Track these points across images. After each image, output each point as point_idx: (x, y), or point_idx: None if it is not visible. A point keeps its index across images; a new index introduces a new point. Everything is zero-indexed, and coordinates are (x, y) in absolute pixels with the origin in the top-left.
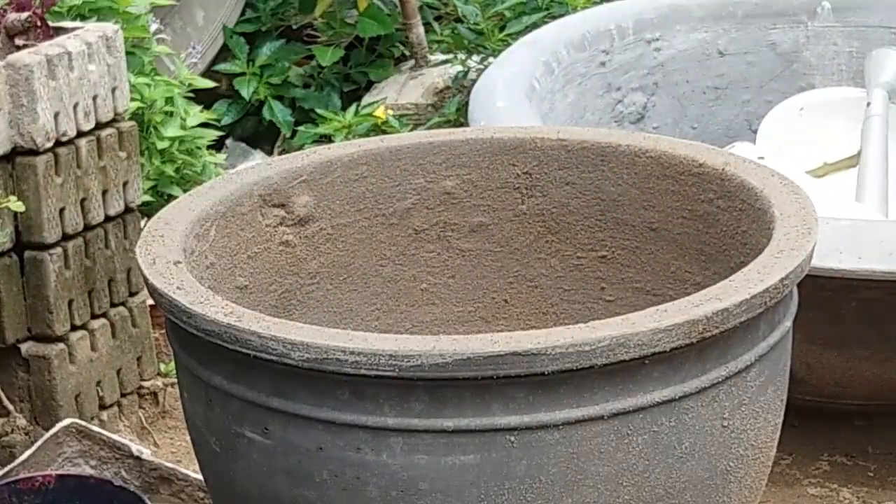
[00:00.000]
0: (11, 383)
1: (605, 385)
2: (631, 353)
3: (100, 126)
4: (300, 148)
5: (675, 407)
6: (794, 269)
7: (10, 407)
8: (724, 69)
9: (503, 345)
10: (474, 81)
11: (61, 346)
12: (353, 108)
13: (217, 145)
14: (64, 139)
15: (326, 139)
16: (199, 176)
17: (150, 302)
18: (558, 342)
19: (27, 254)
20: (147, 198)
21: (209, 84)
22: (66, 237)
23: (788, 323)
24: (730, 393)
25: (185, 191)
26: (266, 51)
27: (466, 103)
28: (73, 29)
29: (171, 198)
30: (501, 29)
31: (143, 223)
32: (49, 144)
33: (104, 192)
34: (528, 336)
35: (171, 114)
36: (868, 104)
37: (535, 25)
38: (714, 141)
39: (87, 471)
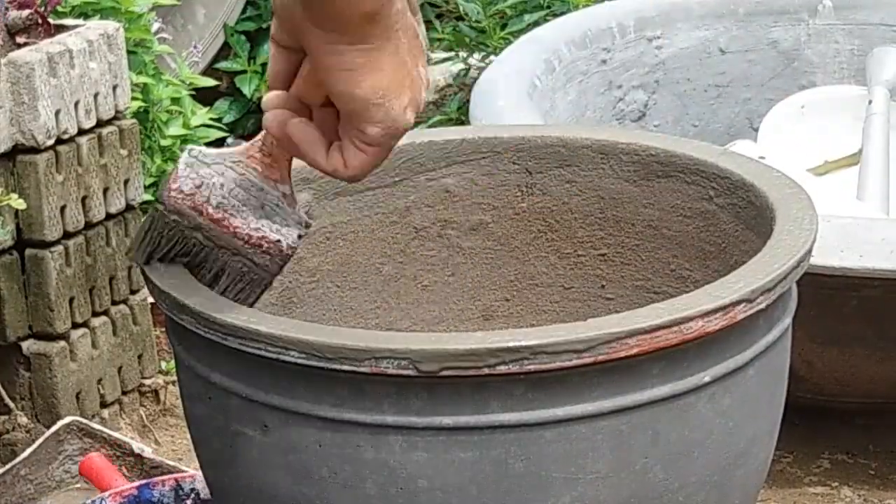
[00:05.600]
0: (12, 381)
1: (603, 382)
2: (630, 350)
3: (101, 124)
4: None
5: (674, 404)
6: (794, 266)
7: (12, 405)
8: (725, 67)
9: (502, 342)
10: (475, 79)
11: (62, 343)
12: None
13: (218, 143)
14: (65, 137)
15: None
16: None
17: (151, 300)
18: (557, 339)
19: (28, 251)
20: (148, 196)
21: (211, 82)
22: (67, 235)
23: (788, 320)
24: (729, 390)
25: None
26: (267, 49)
27: (467, 101)
28: (75, 27)
29: None
30: (503, 27)
31: None
32: (50, 142)
33: (105, 190)
34: (526, 333)
35: (178, 113)
36: (869, 102)
37: (536, 24)
38: (715, 139)
39: None
